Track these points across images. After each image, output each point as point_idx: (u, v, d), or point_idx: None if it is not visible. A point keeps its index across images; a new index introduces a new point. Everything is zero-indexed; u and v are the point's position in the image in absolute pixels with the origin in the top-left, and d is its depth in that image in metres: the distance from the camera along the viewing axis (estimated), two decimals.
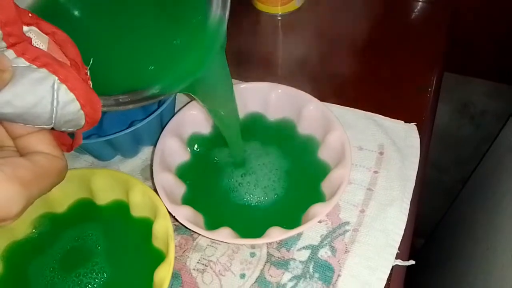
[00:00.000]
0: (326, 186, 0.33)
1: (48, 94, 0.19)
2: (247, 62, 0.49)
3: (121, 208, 0.32)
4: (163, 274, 0.26)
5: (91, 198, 0.33)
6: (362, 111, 0.42)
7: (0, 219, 0.19)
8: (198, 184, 0.34)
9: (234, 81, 0.45)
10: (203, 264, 0.33)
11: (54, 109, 0.19)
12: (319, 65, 0.47)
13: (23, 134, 0.21)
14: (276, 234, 0.28)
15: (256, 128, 0.37)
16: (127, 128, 0.35)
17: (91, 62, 0.21)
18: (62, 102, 0.20)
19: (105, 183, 0.32)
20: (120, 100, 0.25)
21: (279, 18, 0.53)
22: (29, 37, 0.19)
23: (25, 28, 0.20)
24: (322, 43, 0.50)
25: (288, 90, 0.36)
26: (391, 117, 0.41)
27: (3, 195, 0.18)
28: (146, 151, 0.40)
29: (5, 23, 0.18)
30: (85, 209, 0.32)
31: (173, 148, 0.34)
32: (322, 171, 0.34)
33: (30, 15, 0.20)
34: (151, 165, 0.33)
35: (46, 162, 0.20)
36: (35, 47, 0.19)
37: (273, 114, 0.37)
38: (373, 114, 0.41)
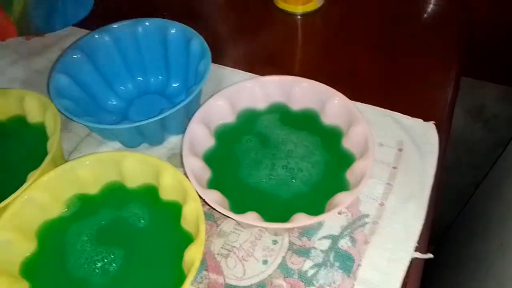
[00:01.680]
0: (350, 175, 0.33)
1: None
2: (266, 59, 0.50)
3: (150, 191, 0.33)
4: (193, 253, 0.27)
5: (122, 181, 0.34)
6: (381, 109, 0.43)
7: None
8: (223, 170, 0.35)
9: (254, 75, 0.46)
10: (226, 249, 0.34)
11: None
12: (338, 63, 0.48)
13: None
14: (301, 219, 0.29)
15: (281, 115, 0.38)
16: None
17: None
18: None
19: (135, 166, 0.33)
20: None
21: (300, 17, 0.55)
22: None
23: None
24: (341, 42, 0.51)
25: (313, 84, 0.37)
26: (409, 115, 0.42)
27: None
28: (172, 140, 0.42)
29: None
30: (116, 191, 0.34)
31: (201, 135, 0.35)
32: (346, 160, 0.35)
33: None
34: (181, 153, 0.34)
35: None
36: None
37: (296, 105, 0.39)
38: (391, 111, 0.42)
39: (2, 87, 0.47)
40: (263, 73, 0.46)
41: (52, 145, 0.33)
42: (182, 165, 0.33)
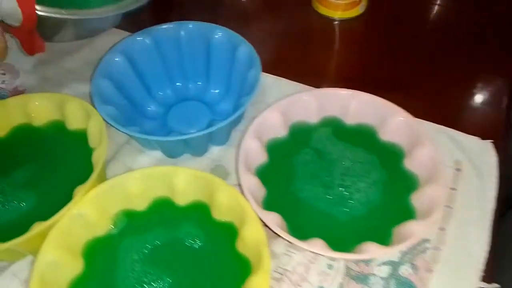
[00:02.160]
0: (416, 200, 0.31)
1: None
2: (309, 66, 0.48)
3: (202, 209, 0.31)
4: (260, 284, 0.25)
5: (171, 197, 0.32)
6: (434, 124, 0.40)
7: None
8: (277, 187, 0.33)
9: (299, 85, 0.44)
10: (279, 273, 0.32)
11: None
12: (385, 73, 0.46)
13: None
14: (373, 250, 0.27)
15: (334, 129, 0.36)
16: (201, 128, 0.35)
17: None
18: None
19: (188, 182, 0.31)
20: (63, 12, 0.36)
21: (338, 22, 0.52)
22: None
23: None
24: (386, 50, 0.49)
25: (373, 99, 0.35)
26: (464, 132, 0.40)
27: None
28: (214, 150, 0.39)
29: None
30: (164, 208, 0.31)
31: (254, 150, 0.33)
32: (410, 182, 0.32)
33: None
34: (236, 167, 0.32)
35: None
36: None
37: (351, 119, 0.37)
38: (446, 127, 0.40)
39: (33, 85, 0.45)
40: (305, 81, 0.44)
41: (99, 159, 0.31)
42: (226, 177, 0.31)
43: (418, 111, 0.40)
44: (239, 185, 0.32)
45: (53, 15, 0.36)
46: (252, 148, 0.33)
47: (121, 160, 0.39)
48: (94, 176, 0.30)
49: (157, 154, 0.39)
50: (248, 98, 0.35)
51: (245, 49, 0.39)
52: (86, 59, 0.48)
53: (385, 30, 0.52)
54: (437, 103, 0.43)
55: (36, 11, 0.33)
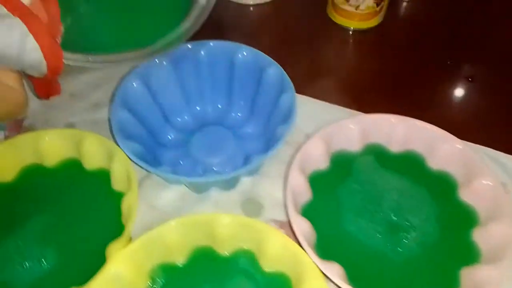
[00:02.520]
0: (480, 238, 0.29)
1: (17, 41, 0.23)
2: (325, 78, 0.45)
3: (249, 259, 0.28)
4: None
5: (213, 246, 0.28)
6: (471, 144, 0.38)
7: None
8: (328, 228, 0.30)
9: (325, 103, 0.41)
10: None
11: (20, 53, 0.23)
12: (417, 91, 0.43)
13: None
14: None
15: (377, 157, 0.34)
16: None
17: (68, 22, 0.27)
18: (27, 50, 0.23)
19: (232, 230, 0.27)
20: (90, 59, 0.31)
21: (352, 32, 0.50)
22: None
23: None
24: (413, 68, 0.46)
25: (421, 124, 0.32)
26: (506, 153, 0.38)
27: None
28: (244, 182, 0.36)
29: None
30: (206, 259, 0.28)
31: (300, 186, 0.30)
32: (469, 216, 0.30)
33: None
34: (285, 207, 0.29)
35: (14, 96, 0.25)
36: (19, 1, 0.23)
37: (396, 146, 0.34)
38: (483, 147, 0.38)
39: (34, 111, 0.40)
40: (332, 100, 0.42)
41: (131, 208, 0.27)
42: (260, 211, 0.31)
43: (452, 128, 0.38)
44: (289, 225, 0.29)
45: (81, 64, 0.31)
46: (298, 185, 0.30)
47: (143, 197, 0.35)
48: (128, 229, 0.26)
49: (182, 188, 0.36)
50: (287, 127, 0.32)
51: (275, 72, 0.36)
52: (89, 80, 0.44)
53: (410, 43, 0.49)
54: (474, 122, 0.41)
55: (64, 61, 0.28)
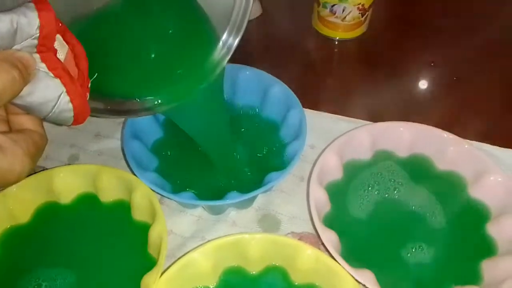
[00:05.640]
0: (494, 231, 0.31)
1: (53, 100, 0.24)
2: (316, 89, 0.46)
3: (278, 274, 0.29)
4: None
5: (243, 266, 0.29)
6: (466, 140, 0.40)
7: (9, 183, 0.24)
8: (350, 237, 0.31)
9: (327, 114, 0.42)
10: None
11: (54, 111, 0.24)
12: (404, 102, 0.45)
13: (20, 113, 0.25)
14: None
15: (388, 164, 0.35)
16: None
17: (94, 76, 0.27)
18: (61, 108, 0.24)
19: (262, 249, 0.28)
20: (109, 107, 0.31)
21: (337, 42, 0.51)
22: (55, 49, 0.24)
23: None
24: (397, 75, 0.48)
25: (426, 129, 0.34)
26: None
27: (21, 166, 0.23)
28: (259, 199, 0.37)
29: (44, 37, 0.23)
30: (237, 280, 0.28)
31: (320, 199, 0.31)
32: (481, 212, 0.32)
33: (60, 24, 0.24)
34: (311, 220, 0.29)
35: (40, 139, 0.25)
36: (57, 58, 0.24)
37: (404, 151, 0.35)
38: (479, 142, 0.40)
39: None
40: (310, 105, 0.42)
41: (160, 237, 0.27)
42: (278, 226, 0.31)
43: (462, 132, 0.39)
44: (317, 234, 0.29)
45: (107, 115, 0.31)
46: (319, 197, 0.31)
47: None
48: (162, 260, 0.26)
49: (198, 212, 0.36)
50: (301, 143, 0.33)
51: (279, 89, 0.37)
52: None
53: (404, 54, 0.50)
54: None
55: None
